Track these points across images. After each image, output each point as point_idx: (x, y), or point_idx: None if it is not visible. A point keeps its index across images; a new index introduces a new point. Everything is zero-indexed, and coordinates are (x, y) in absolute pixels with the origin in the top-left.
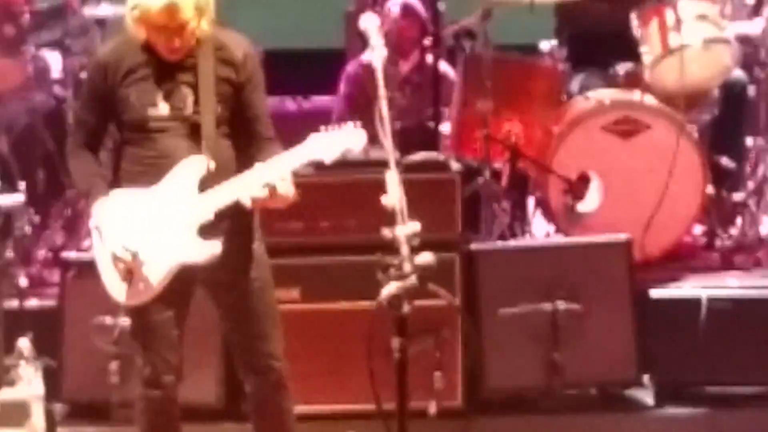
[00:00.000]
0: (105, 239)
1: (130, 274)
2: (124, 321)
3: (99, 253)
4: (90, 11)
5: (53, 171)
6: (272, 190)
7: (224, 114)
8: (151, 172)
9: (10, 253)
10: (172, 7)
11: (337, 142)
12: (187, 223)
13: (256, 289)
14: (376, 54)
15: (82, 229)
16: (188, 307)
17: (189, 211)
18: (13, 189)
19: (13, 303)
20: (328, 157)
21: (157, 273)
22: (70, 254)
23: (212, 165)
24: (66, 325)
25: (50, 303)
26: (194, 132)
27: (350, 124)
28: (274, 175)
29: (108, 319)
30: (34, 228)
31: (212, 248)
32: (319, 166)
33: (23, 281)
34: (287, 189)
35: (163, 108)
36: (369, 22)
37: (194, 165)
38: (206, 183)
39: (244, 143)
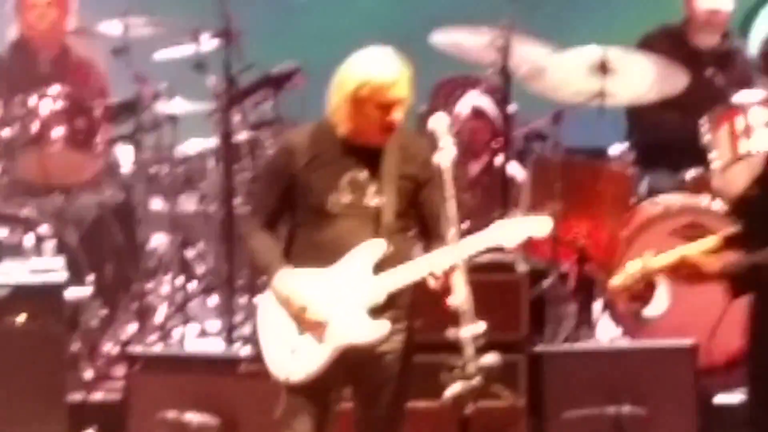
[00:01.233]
0: (291, 306)
1: (320, 329)
2: (190, 416)
3: (271, 325)
4: (162, 107)
5: (122, 264)
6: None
7: (403, 207)
8: (324, 256)
9: (76, 347)
10: (397, 81)
11: (521, 228)
12: (359, 303)
13: (393, 389)
14: (445, 154)
15: (148, 323)
16: (339, 398)
17: (362, 292)
18: (81, 282)
19: (79, 396)
20: (511, 242)
21: (324, 351)
22: (137, 348)
23: (391, 249)
24: (130, 420)
25: (115, 397)
26: (372, 221)
27: (537, 213)
28: (453, 259)
29: (172, 414)
30: (102, 321)
31: (381, 328)
32: None
33: (89, 374)
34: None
35: (344, 194)
36: (439, 123)
37: (372, 248)
38: (382, 268)
39: (418, 239)
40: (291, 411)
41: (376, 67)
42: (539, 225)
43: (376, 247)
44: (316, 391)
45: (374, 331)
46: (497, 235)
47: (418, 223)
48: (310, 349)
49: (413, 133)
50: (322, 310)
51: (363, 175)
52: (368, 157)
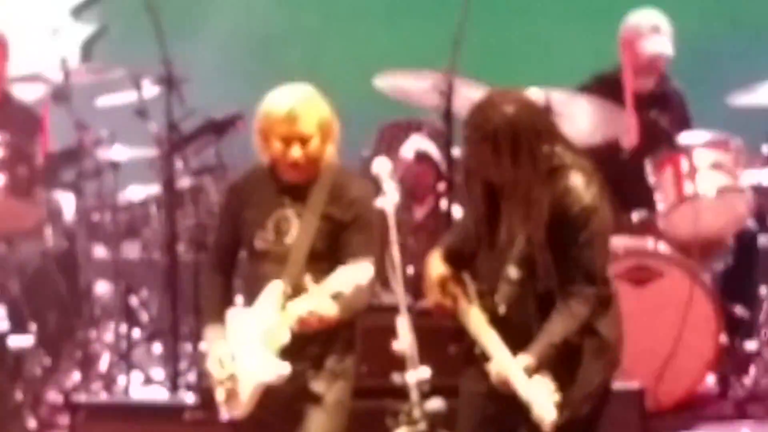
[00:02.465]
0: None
1: (231, 390)
2: None
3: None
4: (103, 154)
5: (64, 313)
6: (306, 316)
7: (321, 249)
8: (254, 292)
9: (19, 396)
10: (292, 115)
11: (350, 274)
12: (261, 343)
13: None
14: (388, 199)
15: (92, 371)
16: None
17: (261, 333)
18: (23, 331)
19: None
20: (347, 288)
21: (246, 391)
22: (81, 397)
23: (288, 290)
24: None
25: None
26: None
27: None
28: (310, 303)
29: None
30: (45, 370)
31: (280, 368)
32: None
33: (33, 424)
34: (326, 309)
35: (269, 232)
36: (382, 167)
37: (274, 289)
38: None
39: None
40: None
41: (275, 100)
42: (361, 271)
43: (275, 288)
44: (256, 428)
45: (273, 369)
46: (336, 282)
47: (339, 264)
48: (240, 388)
49: (348, 173)
50: (227, 368)
51: (290, 213)
52: (298, 195)
